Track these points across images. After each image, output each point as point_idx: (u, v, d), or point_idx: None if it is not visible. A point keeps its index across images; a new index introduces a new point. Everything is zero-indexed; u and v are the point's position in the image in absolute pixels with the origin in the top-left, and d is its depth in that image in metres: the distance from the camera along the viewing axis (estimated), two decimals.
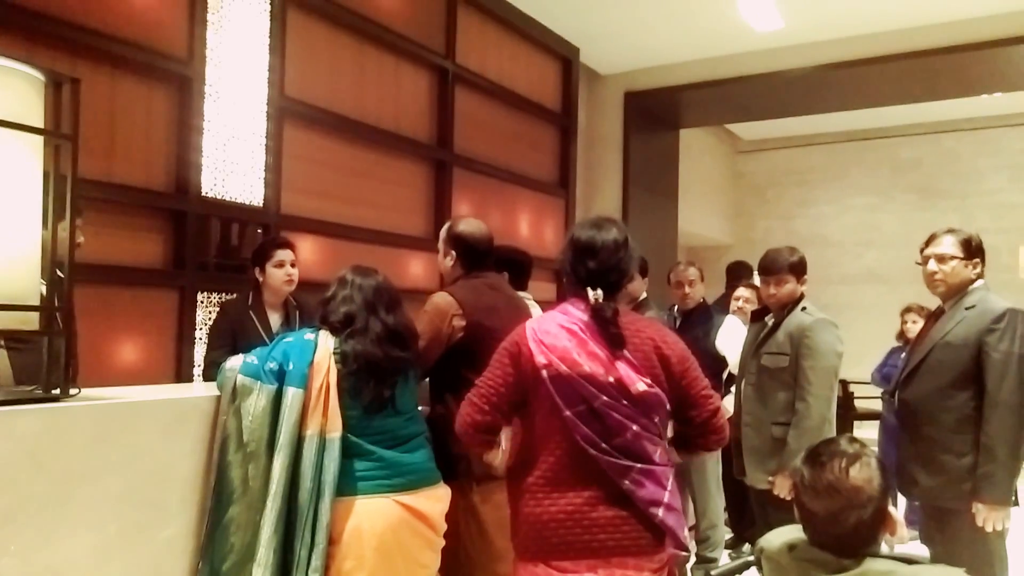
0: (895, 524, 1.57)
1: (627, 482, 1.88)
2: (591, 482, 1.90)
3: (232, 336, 3.16)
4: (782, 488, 3.00)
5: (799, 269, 3.18)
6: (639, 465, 1.89)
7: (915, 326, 5.00)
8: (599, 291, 1.97)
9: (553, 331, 1.96)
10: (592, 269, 2.00)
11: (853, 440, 1.60)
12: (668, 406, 1.97)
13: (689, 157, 8.98)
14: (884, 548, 1.56)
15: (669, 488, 1.94)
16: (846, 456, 1.54)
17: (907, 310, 5.32)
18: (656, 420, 1.95)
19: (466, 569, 2.54)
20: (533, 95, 6.52)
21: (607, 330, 1.93)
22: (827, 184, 10.63)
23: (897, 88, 7.28)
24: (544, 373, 1.93)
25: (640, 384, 1.91)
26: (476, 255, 2.70)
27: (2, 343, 1.98)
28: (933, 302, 3.01)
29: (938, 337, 2.78)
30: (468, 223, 2.76)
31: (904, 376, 2.88)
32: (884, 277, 9.86)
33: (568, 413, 1.90)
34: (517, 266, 3.74)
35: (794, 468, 1.62)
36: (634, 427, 1.90)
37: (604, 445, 1.89)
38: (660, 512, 1.89)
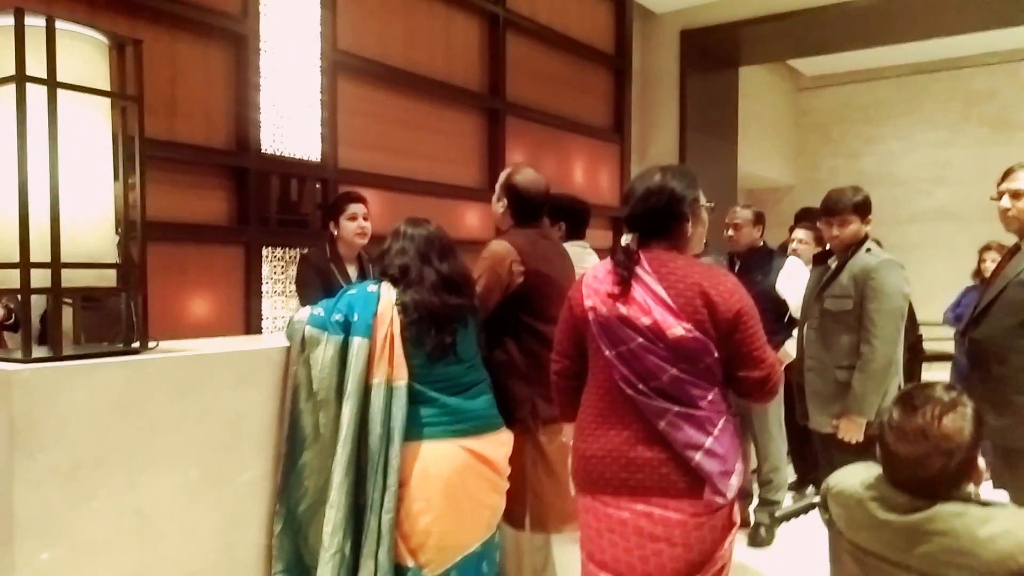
0: (981, 474, 1.54)
1: (663, 423, 1.90)
2: (631, 422, 1.94)
3: (319, 278, 3.23)
4: (847, 432, 2.96)
5: (863, 209, 3.09)
6: (677, 408, 1.90)
7: (993, 265, 4.82)
8: (632, 235, 2.02)
9: (601, 275, 2.04)
10: (627, 216, 2.07)
11: (950, 388, 1.56)
12: (716, 353, 1.93)
13: (749, 96, 8.70)
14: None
15: (715, 434, 1.91)
16: (941, 403, 1.51)
17: (986, 248, 5.11)
18: (702, 366, 1.92)
19: (534, 508, 2.62)
20: (585, 38, 6.38)
21: (618, 273, 1.98)
22: (895, 120, 10.21)
23: (970, 15, 6.87)
24: (590, 315, 2.00)
25: (678, 329, 1.89)
26: (528, 207, 2.75)
27: (70, 301, 2.06)
28: (1012, 240, 2.90)
29: (1012, 275, 2.69)
30: (526, 174, 2.77)
31: (975, 315, 2.80)
32: (956, 215, 9.49)
33: (608, 353, 1.96)
34: (576, 214, 3.73)
35: (883, 409, 1.60)
36: (672, 370, 1.90)
37: (641, 386, 1.92)
38: (697, 456, 1.88)
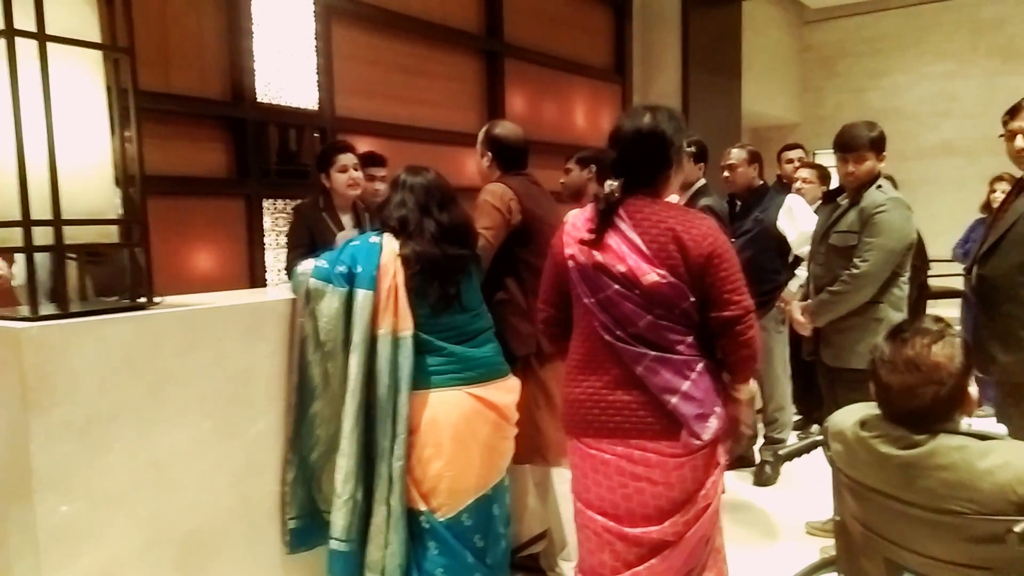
0: (972, 404, 1.56)
1: (640, 368, 1.92)
2: (611, 367, 1.97)
3: (310, 236, 3.23)
4: (794, 312, 3.16)
5: (879, 145, 3.02)
6: (653, 353, 1.92)
7: (1004, 196, 4.77)
8: (614, 182, 1.98)
9: (580, 223, 2.03)
10: (613, 160, 2.03)
11: (938, 320, 1.58)
12: (692, 297, 1.93)
13: (752, 31, 8.52)
14: (962, 426, 1.55)
15: (693, 378, 1.92)
16: (930, 334, 1.53)
17: (998, 179, 5.01)
18: (679, 311, 1.93)
19: (534, 441, 2.69)
20: None
21: (596, 222, 1.96)
22: (901, 52, 10.01)
23: None
24: (570, 263, 2.01)
25: (652, 275, 1.90)
26: (512, 155, 2.84)
27: (74, 256, 2.06)
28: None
29: (1022, 209, 2.65)
30: (504, 126, 2.91)
31: (984, 251, 2.77)
32: (962, 149, 9.37)
33: (587, 301, 1.98)
34: None
35: (873, 344, 1.61)
36: (648, 317, 1.92)
37: (619, 332, 1.94)
38: (674, 399, 1.91)
